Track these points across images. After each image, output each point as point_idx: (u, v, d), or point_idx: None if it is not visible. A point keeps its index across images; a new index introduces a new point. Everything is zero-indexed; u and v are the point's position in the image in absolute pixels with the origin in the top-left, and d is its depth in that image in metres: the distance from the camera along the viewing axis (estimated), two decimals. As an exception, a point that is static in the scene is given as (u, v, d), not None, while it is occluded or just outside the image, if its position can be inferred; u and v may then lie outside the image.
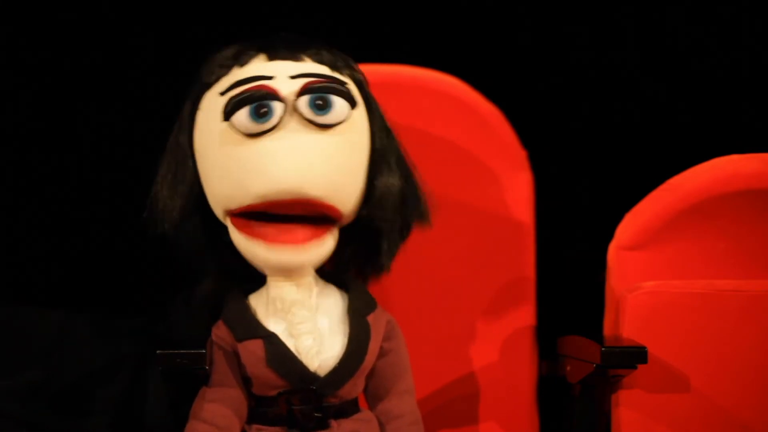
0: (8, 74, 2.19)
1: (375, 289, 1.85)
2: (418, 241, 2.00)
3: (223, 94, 1.67)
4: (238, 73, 1.68)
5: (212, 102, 1.68)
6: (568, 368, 1.88)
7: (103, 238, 2.20)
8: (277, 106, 1.62)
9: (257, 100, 1.62)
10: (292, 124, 1.64)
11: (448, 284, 2.02)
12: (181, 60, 1.80)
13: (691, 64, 2.28)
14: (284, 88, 1.64)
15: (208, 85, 1.70)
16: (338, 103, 1.65)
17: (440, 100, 2.02)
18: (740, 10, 2.27)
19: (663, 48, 2.28)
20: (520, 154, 2.04)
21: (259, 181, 1.63)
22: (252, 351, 1.69)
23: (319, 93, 1.63)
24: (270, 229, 1.67)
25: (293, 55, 1.68)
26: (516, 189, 2.03)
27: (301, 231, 1.67)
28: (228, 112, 1.63)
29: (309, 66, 1.68)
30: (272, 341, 1.69)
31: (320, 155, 1.64)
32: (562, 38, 2.28)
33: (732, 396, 1.81)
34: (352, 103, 1.67)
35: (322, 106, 1.63)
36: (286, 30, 1.75)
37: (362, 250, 1.78)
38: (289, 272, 1.70)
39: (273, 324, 1.71)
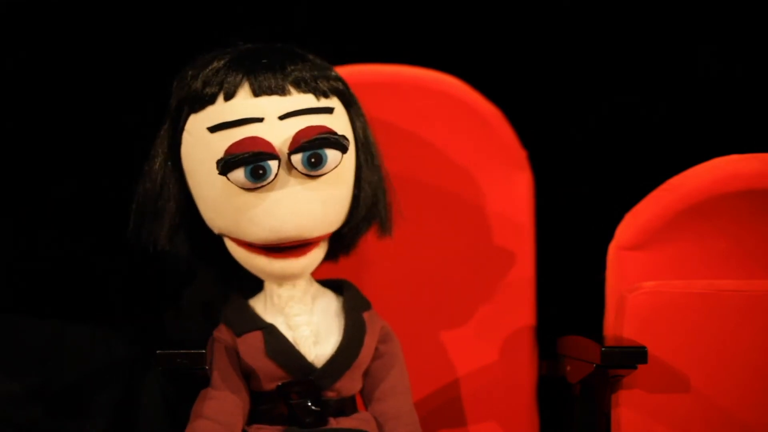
0: (5, 79, 2.19)
1: (374, 289, 1.85)
2: (418, 240, 2.00)
3: (212, 131, 1.68)
4: (224, 108, 1.68)
5: (200, 132, 1.69)
6: (568, 368, 1.88)
7: (98, 244, 2.19)
8: (273, 165, 1.65)
9: (254, 162, 1.64)
10: (288, 177, 1.67)
11: (448, 284, 2.03)
12: (177, 65, 1.78)
13: (691, 64, 2.28)
14: (276, 136, 1.66)
15: (193, 110, 1.70)
16: (331, 155, 1.67)
17: (440, 100, 2.02)
18: (739, 10, 2.26)
19: (663, 48, 2.28)
20: (520, 154, 2.04)
21: (257, 231, 1.69)
22: (251, 343, 1.72)
23: (312, 150, 1.65)
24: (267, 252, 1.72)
25: (278, 85, 1.68)
26: (516, 189, 2.03)
27: (297, 250, 1.72)
28: (224, 169, 1.65)
29: (294, 100, 1.69)
30: (271, 332, 1.73)
31: (315, 202, 1.69)
32: (563, 38, 2.28)
33: (732, 396, 1.81)
34: (344, 150, 1.69)
35: (315, 163, 1.66)
36: (282, 31, 1.74)
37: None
38: (288, 278, 1.75)
39: (271, 318, 1.76)
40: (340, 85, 1.75)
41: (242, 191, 1.67)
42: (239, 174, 1.64)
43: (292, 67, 1.70)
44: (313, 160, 1.66)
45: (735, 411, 1.81)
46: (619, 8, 2.27)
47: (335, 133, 1.68)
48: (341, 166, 1.70)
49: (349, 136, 1.74)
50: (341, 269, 1.91)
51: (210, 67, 1.71)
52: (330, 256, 1.81)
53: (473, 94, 2.03)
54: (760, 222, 1.86)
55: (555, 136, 2.27)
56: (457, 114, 2.02)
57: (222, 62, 1.71)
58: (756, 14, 2.26)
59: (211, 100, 1.69)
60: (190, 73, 1.72)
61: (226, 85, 1.68)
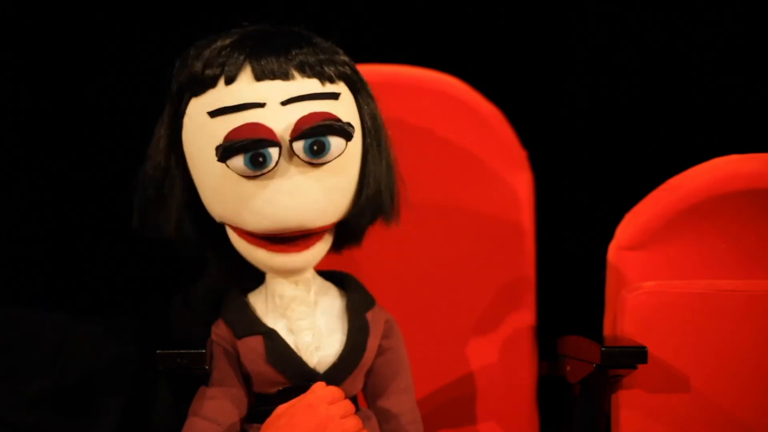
0: (3, 76, 2.19)
1: (375, 288, 1.85)
2: (418, 241, 2.00)
3: (212, 115, 1.63)
4: (225, 93, 1.63)
5: (201, 116, 1.65)
6: (568, 368, 1.88)
7: (103, 239, 2.19)
8: (274, 153, 1.60)
9: (253, 149, 1.59)
10: (289, 165, 1.63)
11: (448, 284, 2.02)
12: (170, 56, 1.77)
13: (692, 64, 2.28)
14: (277, 122, 1.61)
15: (194, 93, 1.66)
16: (334, 143, 1.62)
17: (440, 100, 2.02)
18: (739, 10, 2.27)
19: (663, 48, 2.28)
20: (520, 154, 2.04)
21: (258, 220, 1.64)
22: (252, 347, 1.70)
23: (314, 137, 1.61)
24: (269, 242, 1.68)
25: (281, 69, 1.63)
26: (516, 189, 2.03)
27: (300, 241, 1.68)
28: (222, 156, 1.61)
29: (298, 85, 1.64)
30: (272, 337, 1.70)
31: (318, 191, 1.64)
32: (563, 38, 2.28)
33: (732, 396, 1.81)
34: (348, 137, 1.64)
35: (318, 151, 1.61)
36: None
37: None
38: (290, 273, 1.72)
39: (272, 320, 1.72)
40: (348, 70, 1.70)
41: (242, 179, 1.62)
42: (238, 161, 1.60)
43: (297, 51, 1.65)
44: (315, 147, 1.61)
45: (735, 411, 1.81)
46: (619, 8, 2.27)
47: (339, 120, 1.62)
48: (346, 154, 1.65)
49: (356, 122, 1.68)
50: (341, 268, 1.90)
51: (211, 48, 1.66)
52: (336, 248, 1.77)
53: (473, 94, 2.03)
54: (760, 222, 1.86)
55: (555, 136, 2.27)
56: (457, 114, 2.02)
57: (224, 43, 1.66)
58: (755, 13, 2.26)
59: (211, 83, 1.64)
60: (191, 53, 1.68)
61: (227, 68, 1.63)
